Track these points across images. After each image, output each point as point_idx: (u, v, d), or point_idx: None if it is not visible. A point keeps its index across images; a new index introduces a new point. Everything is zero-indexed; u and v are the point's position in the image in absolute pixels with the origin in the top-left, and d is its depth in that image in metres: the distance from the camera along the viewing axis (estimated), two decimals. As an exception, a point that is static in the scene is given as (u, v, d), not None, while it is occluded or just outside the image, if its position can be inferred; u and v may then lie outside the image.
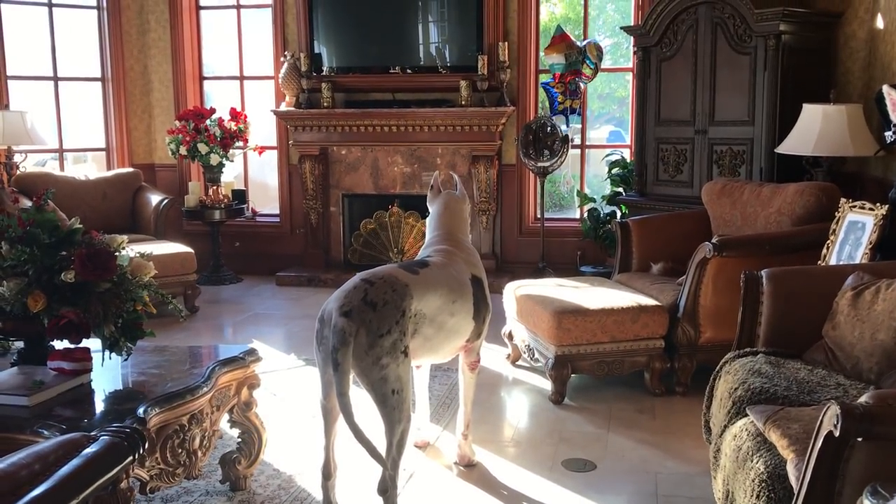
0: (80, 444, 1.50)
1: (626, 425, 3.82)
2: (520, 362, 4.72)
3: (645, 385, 4.20)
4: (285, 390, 4.33)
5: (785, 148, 4.87)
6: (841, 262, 3.49)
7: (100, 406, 2.63)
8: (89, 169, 8.29)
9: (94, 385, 2.72)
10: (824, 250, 3.64)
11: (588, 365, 4.12)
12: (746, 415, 2.57)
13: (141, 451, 1.60)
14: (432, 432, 3.69)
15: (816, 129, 4.69)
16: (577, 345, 4.06)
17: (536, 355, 4.33)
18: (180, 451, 2.65)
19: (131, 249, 2.98)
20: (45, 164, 7.88)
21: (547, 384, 4.20)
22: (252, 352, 3.10)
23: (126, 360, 2.84)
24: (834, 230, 3.62)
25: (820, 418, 1.86)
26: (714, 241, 4.06)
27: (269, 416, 3.85)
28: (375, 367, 2.70)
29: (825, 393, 2.63)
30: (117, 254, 2.82)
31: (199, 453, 2.77)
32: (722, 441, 2.63)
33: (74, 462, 1.41)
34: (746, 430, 2.43)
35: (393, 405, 2.74)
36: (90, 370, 2.71)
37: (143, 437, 1.59)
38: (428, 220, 3.51)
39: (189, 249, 6.05)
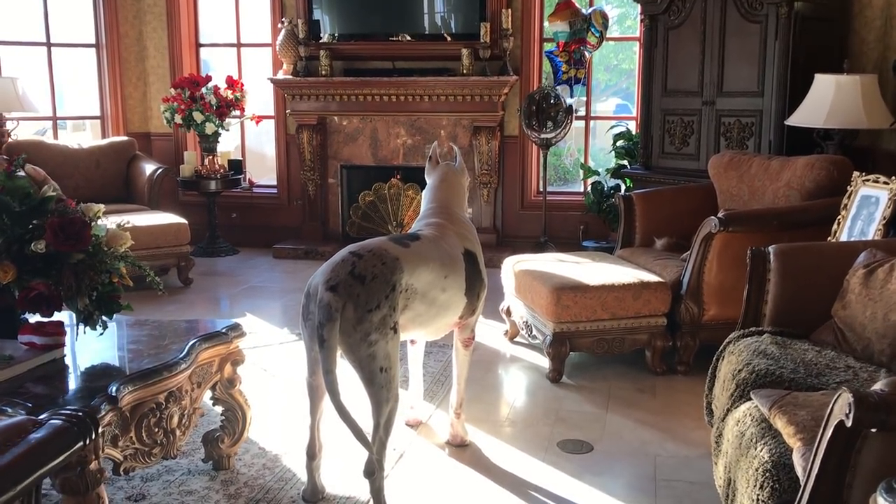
0: (25, 428, 1.38)
1: (626, 405, 3.70)
2: (518, 339, 4.60)
3: (646, 364, 4.08)
4: (276, 366, 4.22)
5: (795, 120, 4.70)
6: (852, 239, 3.34)
7: (73, 383, 2.52)
8: (86, 137, 8.16)
9: (67, 361, 2.61)
10: (835, 226, 3.49)
11: (587, 343, 3.99)
12: (750, 398, 2.44)
13: (92, 437, 1.47)
14: (425, 410, 3.57)
15: (829, 100, 4.52)
16: (576, 322, 3.93)
17: (534, 332, 4.21)
18: (157, 430, 2.54)
19: (108, 219, 2.84)
20: (45, 133, 7.75)
21: (545, 362, 4.08)
22: (236, 327, 2.97)
23: (101, 334, 2.71)
24: (845, 205, 3.46)
25: (830, 406, 1.73)
26: (720, 215, 3.92)
27: (258, 392, 3.77)
28: (363, 343, 2.58)
29: (834, 376, 2.50)
30: (93, 223, 2.68)
31: (178, 432, 2.66)
32: (724, 426, 2.50)
33: (15, 450, 1.29)
34: (750, 415, 2.30)
35: (381, 384, 2.62)
36: (63, 345, 2.59)
37: (96, 421, 1.47)
38: (424, 191, 3.38)
39: (183, 220, 5.92)
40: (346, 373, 2.67)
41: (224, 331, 2.93)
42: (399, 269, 2.69)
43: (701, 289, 4.00)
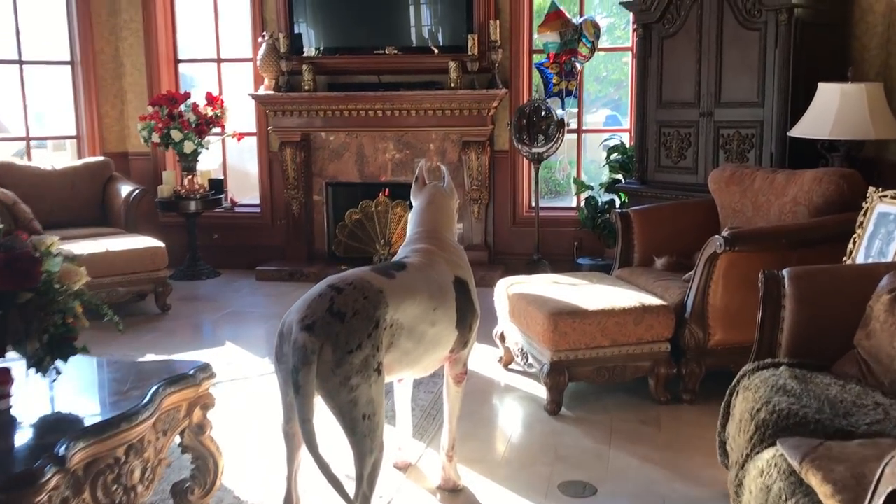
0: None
1: (629, 439, 3.45)
2: (513, 366, 4.36)
3: (649, 392, 3.84)
4: (256, 400, 3.96)
5: (799, 131, 4.49)
6: (871, 260, 3.12)
7: (18, 439, 2.26)
8: (66, 158, 7.89)
9: (14, 412, 2.35)
10: (850, 245, 3.27)
11: (587, 371, 3.75)
12: (773, 443, 2.20)
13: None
14: (414, 451, 3.32)
15: (834, 110, 4.32)
16: (574, 349, 3.69)
17: (530, 360, 3.97)
18: (116, 487, 2.27)
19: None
20: (24, 156, 7.48)
21: (542, 391, 3.84)
22: (205, 368, 2.71)
23: (55, 381, 2.46)
24: (861, 223, 3.24)
25: (881, 470, 1.49)
26: (725, 233, 3.69)
27: (236, 430, 3.51)
28: (343, 388, 2.33)
29: (864, 415, 2.27)
30: (45, 259, 2.43)
31: (141, 488, 2.40)
32: (745, 474, 2.27)
33: None
34: (776, 465, 2.06)
35: (364, 432, 2.37)
36: (8, 395, 2.33)
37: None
38: (410, 214, 3.14)
39: (160, 244, 5.66)
40: (327, 417, 2.42)
41: (192, 372, 2.67)
42: (383, 304, 2.45)
43: (706, 312, 3.77)
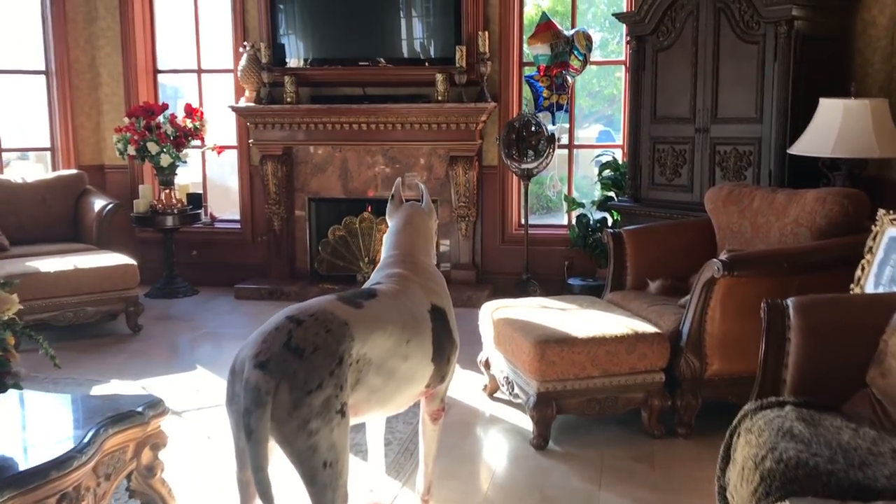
0: None
1: (621, 478, 3.21)
2: (498, 394, 4.11)
3: (642, 425, 3.60)
4: (223, 431, 3.69)
5: (800, 149, 4.29)
6: (881, 289, 2.89)
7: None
8: (36, 170, 7.64)
9: (-67, 458, 2.10)
10: (858, 271, 3.04)
11: (576, 403, 3.51)
12: (782, 498, 1.97)
13: None
14: (388, 491, 3.07)
15: (836, 126, 4.12)
16: (563, 380, 3.45)
17: (516, 390, 3.73)
18: (45, 543, 2.03)
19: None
20: (9, 164, 7.24)
21: (529, 422, 3.59)
22: (155, 404, 2.48)
23: (-19, 421, 2.22)
24: (870, 248, 3.02)
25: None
26: (723, 257, 3.47)
27: (199, 465, 3.26)
28: (302, 433, 2.09)
29: (881, 466, 2.04)
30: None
31: (77, 541, 2.15)
32: (750, 532, 2.03)
33: None
34: (787, 527, 1.83)
35: (324, 482, 2.12)
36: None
37: None
38: (385, 236, 2.91)
39: (131, 261, 5.40)
40: (286, 464, 2.17)
41: (140, 410, 2.44)
42: (348, 337, 2.21)
43: (703, 340, 3.54)
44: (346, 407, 2.18)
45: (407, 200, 2.95)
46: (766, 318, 2.64)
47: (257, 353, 2.10)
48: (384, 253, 2.83)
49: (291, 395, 2.06)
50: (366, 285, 2.66)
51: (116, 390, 4.26)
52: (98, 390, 4.28)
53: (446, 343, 2.64)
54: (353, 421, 2.35)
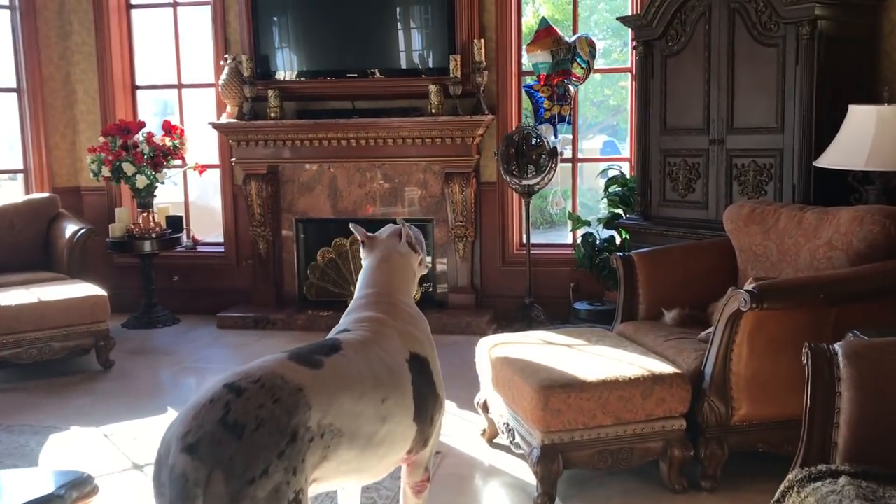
0: None
1: (639, 545, 2.79)
2: (498, 439, 3.69)
3: (661, 479, 3.17)
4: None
5: (828, 161, 3.88)
6: (944, 327, 2.47)
7: None
8: (2, 193, 7.26)
9: None
10: (912, 306, 2.63)
11: (585, 456, 3.08)
12: None
13: None
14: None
15: (869, 136, 3.72)
16: (570, 430, 3.03)
17: (517, 439, 3.30)
18: None
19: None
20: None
21: (532, 476, 3.16)
22: (82, 483, 2.08)
23: None
24: (924, 277, 2.61)
25: None
26: (751, 287, 3.04)
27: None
28: (243, 532, 1.67)
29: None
30: None
31: None
32: None
33: None
34: None
35: (273, 592, 1.71)
36: None
37: None
38: (360, 274, 2.51)
39: (101, 292, 4.99)
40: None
41: (62, 492, 2.02)
42: (303, 406, 1.80)
43: (728, 381, 3.12)
44: (304, 495, 1.76)
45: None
46: (811, 366, 2.22)
47: (185, 434, 1.69)
48: (357, 293, 2.43)
49: (228, 487, 1.65)
50: (331, 333, 2.24)
51: (75, 439, 3.87)
52: (56, 439, 3.90)
53: (429, 399, 2.23)
54: (322, 489, 1.95)
